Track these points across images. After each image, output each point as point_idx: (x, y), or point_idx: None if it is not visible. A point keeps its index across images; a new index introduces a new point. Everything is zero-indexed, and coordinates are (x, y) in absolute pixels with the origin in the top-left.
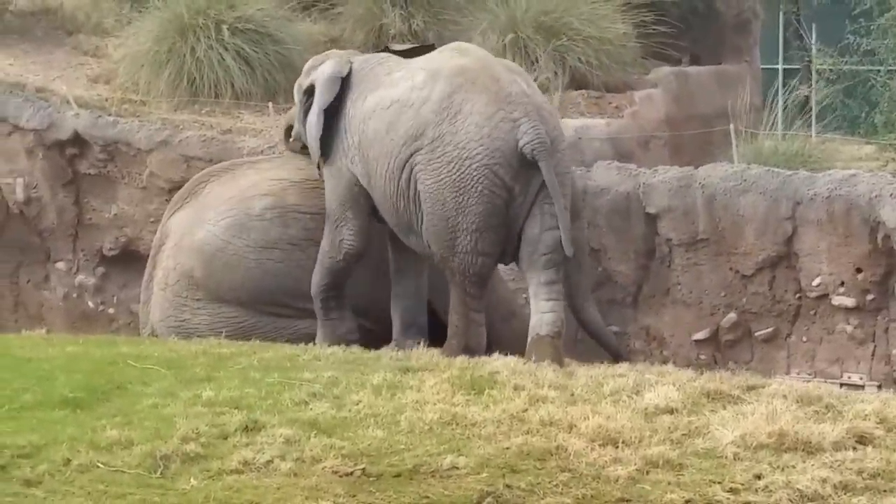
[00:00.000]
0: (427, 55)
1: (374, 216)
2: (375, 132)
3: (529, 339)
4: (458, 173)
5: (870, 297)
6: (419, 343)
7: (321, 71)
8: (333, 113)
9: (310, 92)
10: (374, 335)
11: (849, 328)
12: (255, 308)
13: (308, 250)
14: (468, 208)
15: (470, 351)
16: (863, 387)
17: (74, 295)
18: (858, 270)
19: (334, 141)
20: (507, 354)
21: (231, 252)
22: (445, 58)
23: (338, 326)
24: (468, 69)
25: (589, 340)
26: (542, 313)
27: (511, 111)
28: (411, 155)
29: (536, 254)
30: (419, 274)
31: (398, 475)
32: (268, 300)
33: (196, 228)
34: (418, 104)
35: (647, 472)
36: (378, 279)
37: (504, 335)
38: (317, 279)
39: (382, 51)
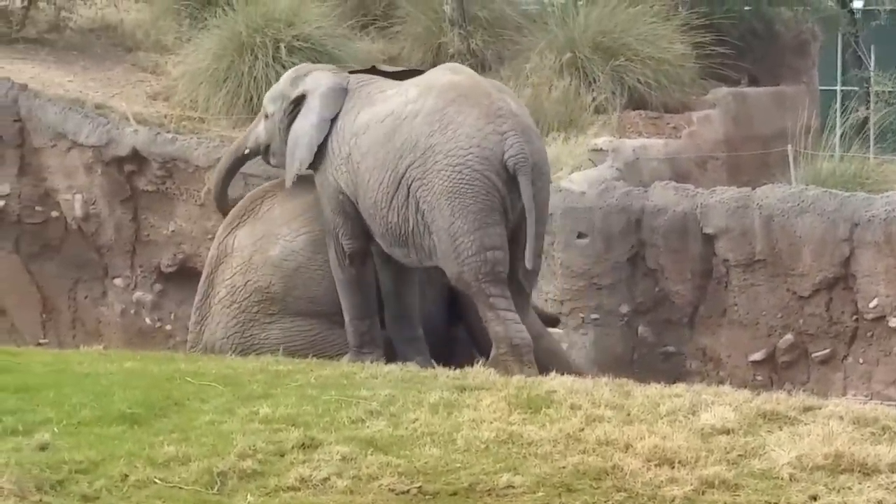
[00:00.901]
0: (420, 75)
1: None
2: (370, 145)
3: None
4: (450, 180)
5: None
6: (422, 358)
7: (318, 82)
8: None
9: (298, 101)
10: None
11: None
12: (330, 319)
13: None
14: (465, 209)
15: (518, 350)
16: None
17: (132, 311)
18: None
19: (322, 150)
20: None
21: (314, 267)
22: (438, 75)
23: (366, 361)
24: (460, 85)
25: (644, 361)
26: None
27: (500, 125)
28: (407, 168)
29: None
30: (412, 292)
31: (454, 493)
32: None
33: (269, 245)
34: (411, 117)
35: (703, 493)
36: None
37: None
38: (346, 304)
39: (369, 70)
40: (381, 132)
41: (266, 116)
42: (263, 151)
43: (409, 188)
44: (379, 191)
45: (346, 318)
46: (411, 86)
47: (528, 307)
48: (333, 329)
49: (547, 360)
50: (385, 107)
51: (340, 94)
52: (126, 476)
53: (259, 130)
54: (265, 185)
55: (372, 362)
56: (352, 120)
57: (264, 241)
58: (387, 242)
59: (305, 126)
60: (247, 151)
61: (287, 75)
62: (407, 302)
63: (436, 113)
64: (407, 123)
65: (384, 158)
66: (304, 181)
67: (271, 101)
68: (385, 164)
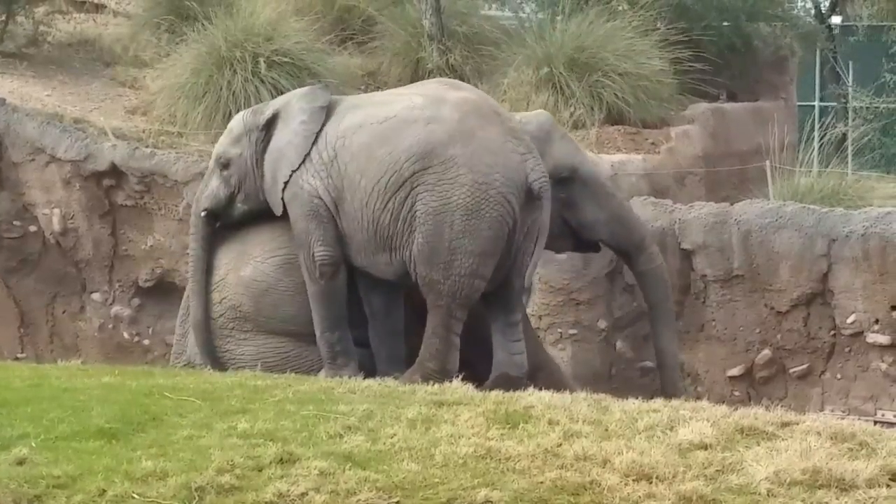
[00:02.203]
0: (413, 85)
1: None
2: (362, 146)
3: (496, 374)
4: (472, 197)
5: None
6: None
7: (289, 98)
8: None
9: (270, 124)
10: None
11: (883, 366)
12: (302, 338)
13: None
14: (477, 232)
15: (446, 374)
16: None
17: (110, 326)
18: (893, 308)
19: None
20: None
21: (282, 289)
22: (440, 87)
23: (343, 373)
24: (470, 99)
25: (622, 376)
26: (512, 354)
27: (517, 145)
28: (416, 173)
29: (516, 292)
30: (395, 309)
31: None
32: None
33: (242, 265)
34: (423, 121)
35: None
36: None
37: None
38: (317, 319)
39: None
40: (381, 133)
41: (224, 166)
42: (226, 204)
43: (412, 191)
44: (373, 191)
45: (317, 331)
46: (412, 94)
47: (527, 323)
48: (306, 347)
49: (544, 380)
50: (385, 110)
51: (322, 112)
52: (104, 491)
53: (214, 187)
54: None
55: (349, 376)
56: (336, 124)
57: (238, 261)
58: (370, 248)
59: (286, 135)
60: (203, 213)
61: (238, 119)
62: (394, 323)
63: (454, 123)
64: (417, 128)
65: (384, 159)
66: None
67: (232, 145)
68: (385, 164)
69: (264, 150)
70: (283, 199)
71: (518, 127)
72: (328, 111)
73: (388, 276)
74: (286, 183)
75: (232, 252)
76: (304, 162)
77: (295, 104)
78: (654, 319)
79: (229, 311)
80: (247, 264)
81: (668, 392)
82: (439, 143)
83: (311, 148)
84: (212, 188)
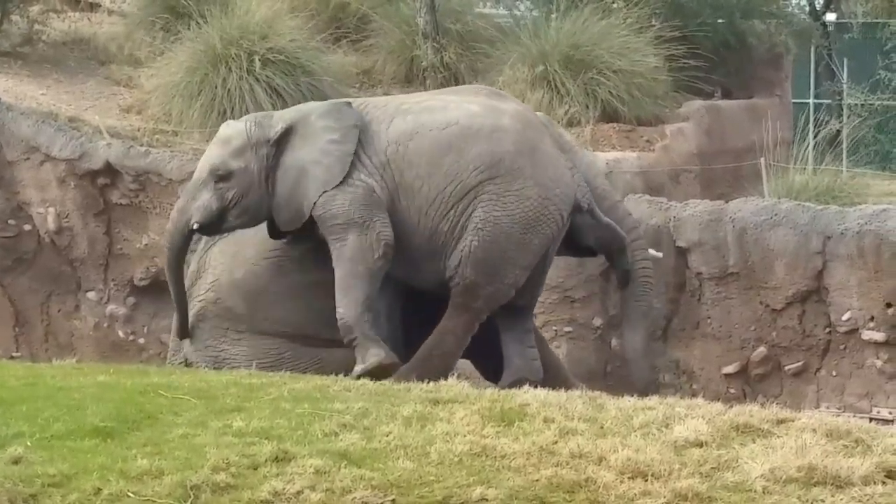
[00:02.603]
0: (454, 89)
1: None
2: (422, 153)
3: (514, 379)
4: (534, 211)
5: None
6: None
7: (301, 111)
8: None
9: (282, 139)
10: None
11: (878, 363)
12: (297, 339)
13: None
14: (530, 246)
15: (446, 374)
16: (892, 421)
17: (105, 325)
18: (888, 305)
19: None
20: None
21: (276, 290)
22: (480, 94)
23: (378, 351)
24: (521, 110)
25: (617, 373)
26: (530, 360)
27: (566, 160)
28: (481, 182)
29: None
30: (396, 311)
31: None
32: (310, 333)
33: (236, 267)
34: (487, 130)
35: None
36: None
37: None
38: (354, 299)
39: None
40: (444, 140)
41: (221, 179)
42: (217, 218)
43: (474, 200)
44: (437, 199)
45: (353, 312)
46: (462, 100)
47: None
48: (301, 347)
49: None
50: (442, 116)
51: (347, 108)
52: (99, 490)
53: (206, 199)
54: None
55: (384, 354)
56: (384, 129)
57: (233, 262)
58: (418, 255)
59: (309, 153)
60: (195, 227)
61: (237, 130)
62: (395, 326)
63: (517, 134)
64: (483, 138)
65: (450, 167)
66: None
67: (233, 158)
68: (451, 172)
69: (275, 166)
70: (306, 217)
71: (561, 139)
72: (355, 111)
73: (428, 283)
74: (315, 203)
75: (226, 254)
76: (342, 183)
77: (317, 122)
78: (625, 314)
79: (224, 312)
80: (240, 266)
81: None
82: (507, 153)
83: (357, 149)
84: (203, 201)
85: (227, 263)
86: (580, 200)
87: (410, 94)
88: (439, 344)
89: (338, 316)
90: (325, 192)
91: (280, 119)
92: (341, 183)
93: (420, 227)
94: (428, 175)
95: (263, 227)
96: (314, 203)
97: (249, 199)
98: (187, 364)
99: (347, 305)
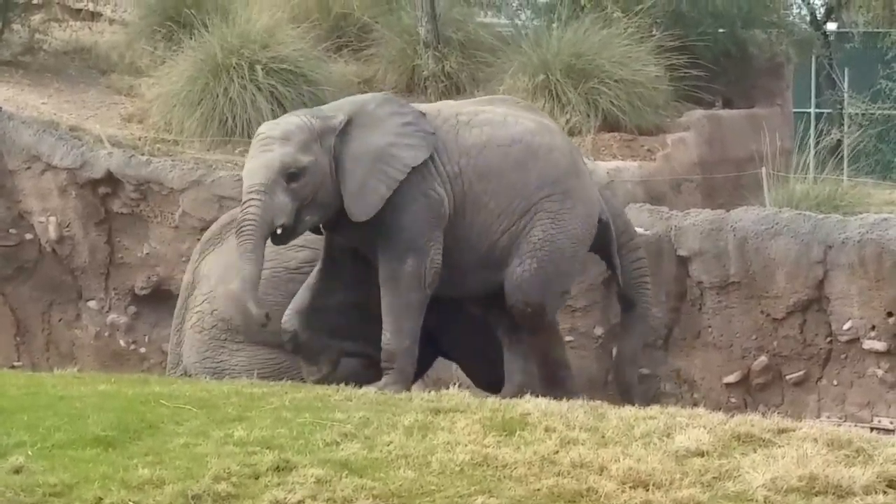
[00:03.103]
0: (484, 100)
1: None
2: (491, 168)
3: (515, 393)
4: (583, 228)
5: None
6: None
7: (356, 101)
8: None
9: (343, 132)
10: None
11: (879, 372)
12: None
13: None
14: (579, 258)
15: (570, 392)
16: (893, 431)
17: (106, 334)
18: (889, 315)
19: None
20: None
21: (271, 303)
22: (519, 107)
23: (407, 387)
24: (556, 128)
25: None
26: (532, 376)
27: (592, 177)
28: (541, 200)
29: None
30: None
31: None
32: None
33: (230, 278)
34: (545, 151)
35: None
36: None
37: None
38: (400, 330)
39: None
40: (512, 157)
41: (293, 177)
42: (295, 219)
43: (533, 217)
44: (502, 214)
45: (402, 342)
46: (518, 116)
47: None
48: (297, 359)
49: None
50: (506, 131)
51: (402, 99)
52: (100, 499)
53: (282, 202)
54: (236, 209)
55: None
56: (452, 138)
57: (227, 273)
58: (471, 266)
59: (381, 138)
60: (279, 231)
61: (295, 124)
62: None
63: (568, 154)
64: (543, 157)
65: (517, 184)
66: None
67: (301, 153)
68: (517, 189)
69: (341, 158)
70: (385, 199)
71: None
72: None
73: (470, 292)
74: (399, 183)
75: (220, 264)
76: (424, 165)
77: (378, 110)
78: (622, 321)
79: (220, 323)
80: (235, 277)
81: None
82: (563, 173)
83: (430, 163)
84: (280, 203)
85: (222, 274)
86: (602, 215)
87: (450, 103)
88: (528, 365)
89: (383, 340)
90: (413, 168)
91: (337, 110)
92: (419, 184)
93: (479, 240)
94: (495, 191)
95: None
96: (398, 182)
97: (322, 194)
98: (187, 376)
99: (396, 334)
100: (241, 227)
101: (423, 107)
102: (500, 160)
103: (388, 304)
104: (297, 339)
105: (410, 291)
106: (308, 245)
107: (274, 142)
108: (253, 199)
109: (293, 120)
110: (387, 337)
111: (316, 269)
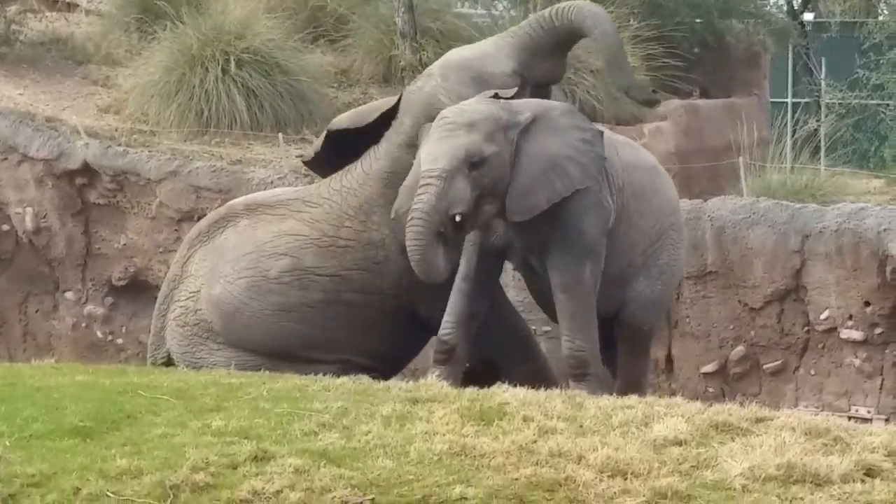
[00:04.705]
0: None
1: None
2: (642, 189)
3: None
4: (681, 256)
5: (878, 330)
6: None
7: (542, 104)
8: None
9: (525, 130)
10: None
11: (857, 361)
12: (274, 357)
13: (327, 311)
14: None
15: None
16: (870, 420)
17: (83, 325)
18: (867, 304)
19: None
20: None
21: (249, 313)
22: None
23: (603, 389)
24: None
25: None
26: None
27: None
28: (669, 226)
29: None
30: None
31: None
32: (286, 354)
33: (213, 282)
34: (669, 181)
35: None
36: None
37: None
38: (589, 336)
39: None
40: (654, 181)
41: (475, 166)
42: (474, 209)
43: (663, 241)
44: (646, 234)
45: (593, 347)
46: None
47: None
48: (279, 362)
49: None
50: (643, 156)
51: (581, 115)
52: (78, 489)
53: (462, 189)
54: (234, 203)
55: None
56: (614, 154)
57: (211, 276)
58: (606, 282)
59: (560, 147)
60: (458, 219)
61: (483, 113)
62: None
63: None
64: (669, 186)
65: (658, 207)
66: (262, 210)
67: (486, 143)
68: (657, 211)
69: (518, 154)
70: (543, 209)
71: None
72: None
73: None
74: (565, 198)
75: (205, 266)
76: (600, 174)
77: (562, 118)
78: None
79: (202, 323)
80: (217, 282)
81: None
82: (678, 204)
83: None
84: (459, 191)
85: (206, 276)
86: None
87: None
88: (636, 388)
89: (573, 348)
90: (577, 189)
91: (525, 107)
92: (598, 192)
93: (623, 257)
94: (645, 211)
95: (245, 240)
96: (559, 198)
97: (500, 185)
98: (170, 359)
99: (586, 340)
100: (414, 213)
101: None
102: (647, 182)
103: (573, 309)
104: (452, 352)
105: (589, 298)
106: (289, 254)
107: (459, 128)
108: (431, 184)
109: (481, 108)
110: (577, 344)
111: (465, 273)
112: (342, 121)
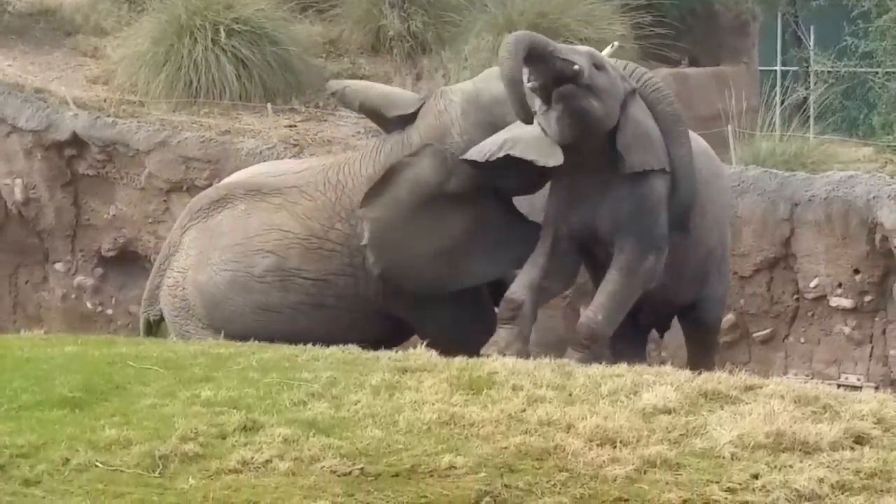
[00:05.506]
0: None
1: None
2: (711, 175)
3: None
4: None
5: (867, 298)
6: None
7: (651, 89)
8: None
9: (627, 99)
10: None
11: (846, 329)
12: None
13: (309, 313)
14: None
15: None
16: (860, 387)
17: (73, 296)
18: (856, 272)
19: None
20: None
21: (231, 307)
22: None
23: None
24: None
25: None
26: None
27: None
28: (727, 216)
29: None
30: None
31: (396, 475)
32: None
33: (201, 266)
34: (718, 160)
35: (645, 472)
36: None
37: None
38: (613, 316)
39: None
40: (708, 166)
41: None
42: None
43: (725, 234)
44: (718, 220)
45: (608, 327)
46: None
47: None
48: None
49: None
50: (699, 142)
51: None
52: (67, 460)
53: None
54: (238, 183)
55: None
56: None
57: (200, 259)
58: (689, 274)
59: (649, 119)
60: (579, 69)
61: (613, 64)
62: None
63: None
64: (721, 165)
65: (721, 190)
66: (260, 198)
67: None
68: (722, 199)
69: (623, 113)
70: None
71: None
72: None
73: (679, 299)
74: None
75: (196, 246)
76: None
77: (654, 94)
78: None
79: (188, 303)
80: (204, 268)
81: None
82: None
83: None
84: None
85: (195, 258)
86: None
87: None
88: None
89: (594, 320)
90: (659, 170)
91: (632, 73)
92: (655, 179)
93: (701, 246)
94: (710, 197)
95: (237, 227)
96: (649, 172)
97: (605, 108)
98: (162, 318)
99: (608, 322)
100: None
101: None
102: (712, 169)
103: (615, 289)
104: (519, 310)
105: (637, 287)
106: (275, 252)
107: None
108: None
109: (611, 62)
110: (599, 319)
111: (543, 250)
112: (369, 96)
